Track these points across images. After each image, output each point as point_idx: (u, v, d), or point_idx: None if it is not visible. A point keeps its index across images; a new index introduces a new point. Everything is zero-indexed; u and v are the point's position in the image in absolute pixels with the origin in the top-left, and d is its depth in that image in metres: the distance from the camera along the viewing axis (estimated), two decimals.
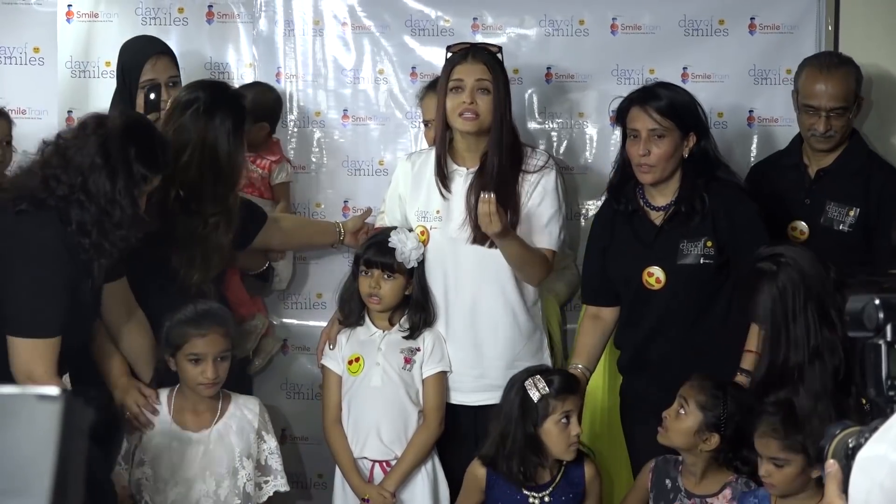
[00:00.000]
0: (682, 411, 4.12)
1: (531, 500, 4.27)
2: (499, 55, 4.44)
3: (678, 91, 4.41)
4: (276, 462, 4.32)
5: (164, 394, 4.25)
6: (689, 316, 4.37)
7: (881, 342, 2.01)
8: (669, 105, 4.31)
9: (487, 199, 4.16)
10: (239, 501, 4.22)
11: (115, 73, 4.81)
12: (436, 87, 4.58)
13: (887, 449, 1.75)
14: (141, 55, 4.57)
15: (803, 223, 4.70)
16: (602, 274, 4.53)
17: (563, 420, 4.19)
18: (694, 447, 4.09)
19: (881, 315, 2.01)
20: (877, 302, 2.02)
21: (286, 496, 4.46)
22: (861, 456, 1.81)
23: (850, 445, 1.96)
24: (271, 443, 4.33)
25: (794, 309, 3.86)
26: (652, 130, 4.30)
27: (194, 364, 4.17)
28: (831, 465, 1.99)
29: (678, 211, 4.34)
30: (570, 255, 5.03)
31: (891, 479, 1.72)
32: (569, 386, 4.25)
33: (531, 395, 4.18)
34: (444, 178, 4.45)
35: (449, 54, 4.45)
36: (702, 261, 4.31)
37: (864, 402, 3.65)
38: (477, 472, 4.30)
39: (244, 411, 4.30)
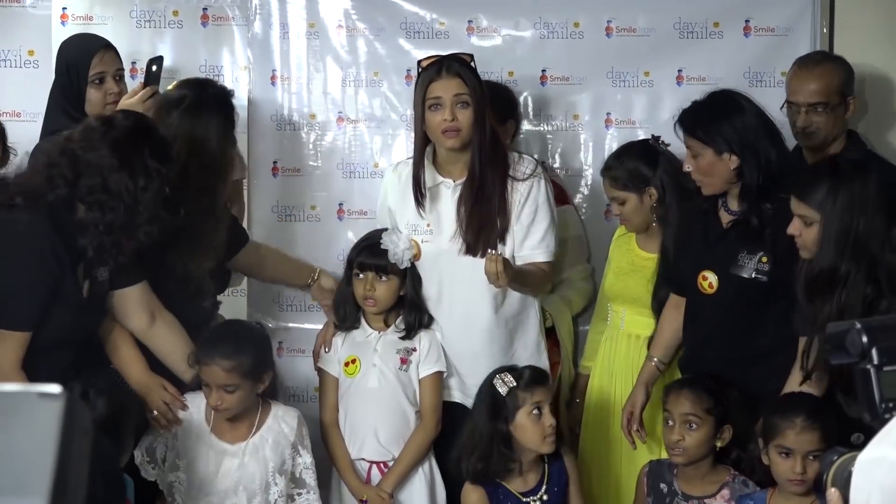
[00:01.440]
0: (693, 426, 4.16)
1: None
2: (472, 63, 4.41)
3: (716, 107, 4.32)
4: (310, 477, 4.29)
5: (202, 402, 4.22)
6: (737, 327, 4.31)
7: (869, 367, 1.99)
8: (699, 126, 4.28)
9: (495, 258, 4.14)
10: None
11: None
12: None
13: (887, 449, 1.74)
14: (88, 50, 4.52)
15: None
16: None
17: (535, 412, 4.18)
18: (712, 450, 4.08)
19: (865, 339, 1.99)
20: (858, 326, 2.00)
21: (336, 496, 4.48)
22: (861, 459, 1.79)
23: (851, 468, 1.93)
24: (306, 458, 4.29)
25: (871, 214, 3.84)
26: (689, 148, 4.31)
27: (208, 388, 4.17)
28: (832, 494, 1.97)
29: (743, 220, 4.29)
30: (587, 268, 5.10)
31: (890, 478, 1.71)
32: (537, 378, 4.25)
33: (499, 390, 4.19)
34: (422, 197, 4.43)
35: (420, 69, 4.42)
36: (754, 275, 4.24)
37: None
38: (472, 497, 4.26)
39: (281, 424, 4.28)
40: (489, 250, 4.21)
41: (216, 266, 4.35)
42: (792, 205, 3.96)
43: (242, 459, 4.22)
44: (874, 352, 1.99)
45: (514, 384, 4.19)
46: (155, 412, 4.18)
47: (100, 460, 3.70)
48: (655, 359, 4.50)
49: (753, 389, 4.26)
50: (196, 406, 4.24)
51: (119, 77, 4.54)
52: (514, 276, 4.24)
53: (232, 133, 4.37)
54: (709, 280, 4.34)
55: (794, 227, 3.94)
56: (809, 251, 3.92)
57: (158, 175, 3.81)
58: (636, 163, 4.60)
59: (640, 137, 4.86)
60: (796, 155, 4.64)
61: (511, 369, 4.28)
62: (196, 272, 4.23)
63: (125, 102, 4.36)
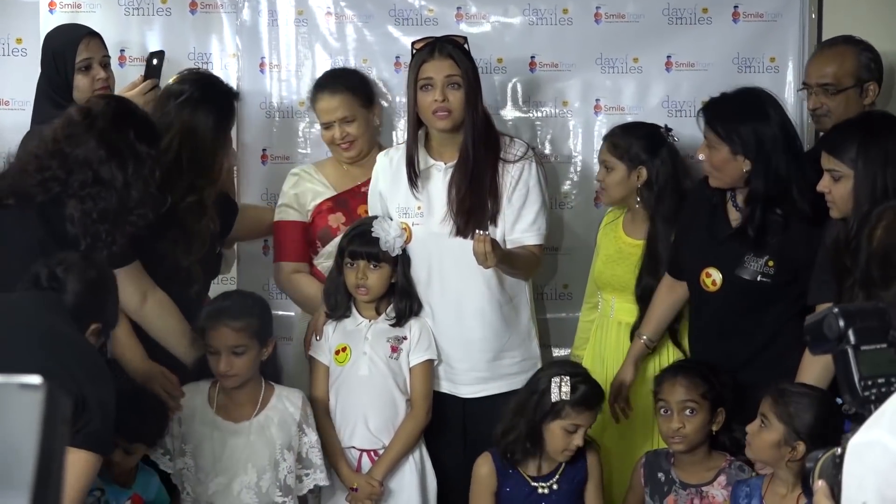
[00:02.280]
0: (692, 412, 4.18)
1: (540, 490, 4.28)
2: (465, 46, 4.43)
3: (743, 106, 4.32)
4: (316, 456, 4.34)
5: (205, 385, 4.32)
6: (736, 325, 4.33)
7: (847, 347, 2.02)
8: (722, 122, 4.27)
9: (483, 238, 4.14)
10: (280, 494, 4.25)
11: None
12: (323, 88, 4.78)
13: (881, 433, 1.74)
14: (72, 37, 4.53)
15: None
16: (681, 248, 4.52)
17: (570, 429, 4.19)
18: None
19: (841, 322, 2.03)
20: (836, 311, 2.05)
21: (326, 489, 4.48)
22: (853, 442, 1.79)
23: (838, 453, 1.96)
24: (312, 436, 4.35)
25: None
26: (706, 138, 4.31)
27: (215, 357, 4.22)
28: (820, 485, 1.99)
29: (744, 229, 4.28)
30: None
31: (885, 462, 1.71)
32: (590, 401, 4.22)
33: (552, 393, 4.17)
34: (415, 176, 4.45)
35: (414, 51, 4.44)
36: (759, 278, 4.24)
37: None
38: (482, 469, 4.31)
39: (286, 403, 4.34)
40: (477, 230, 4.21)
41: (207, 253, 4.38)
42: (822, 160, 3.95)
43: (249, 438, 4.27)
44: (850, 333, 2.02)
45: (567, 398, 4.16)
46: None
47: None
48: (644, 336, 4.53)
49: (746, 381, 4.27)
50: (199, 391, 4.32)
51: (105, 64, 4.55)
52: (503, 258, 4.24)
53: (227, 134, 4.41)
54: (712, 277, 4.35)
55: (824, 184, 3.91)
56: (839, 209, 3.90)
57: (148, 157, 3.84)
58: (640, 140, 4.61)
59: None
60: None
61: (574, 372, 4.25)
62: (184, 261, 4.25)
63: (124, 94, 4.40)
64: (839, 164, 3.88)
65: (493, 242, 4.16)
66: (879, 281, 3.35)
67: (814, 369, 3.98)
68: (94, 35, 4.56)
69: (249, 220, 4.87)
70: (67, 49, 4.48)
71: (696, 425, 4.17)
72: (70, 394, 3.06)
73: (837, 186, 3.89)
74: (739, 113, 4.27)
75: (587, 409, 4.20)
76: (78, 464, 3.22)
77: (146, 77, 4.53)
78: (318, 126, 5.05)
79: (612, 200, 4.71)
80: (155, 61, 4.57)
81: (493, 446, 4.32)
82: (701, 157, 4.32)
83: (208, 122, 4.30)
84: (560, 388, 4.16)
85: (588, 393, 4.21)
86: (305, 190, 4.79)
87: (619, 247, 4.72)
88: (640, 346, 4.53)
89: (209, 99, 4.35)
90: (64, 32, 4.65)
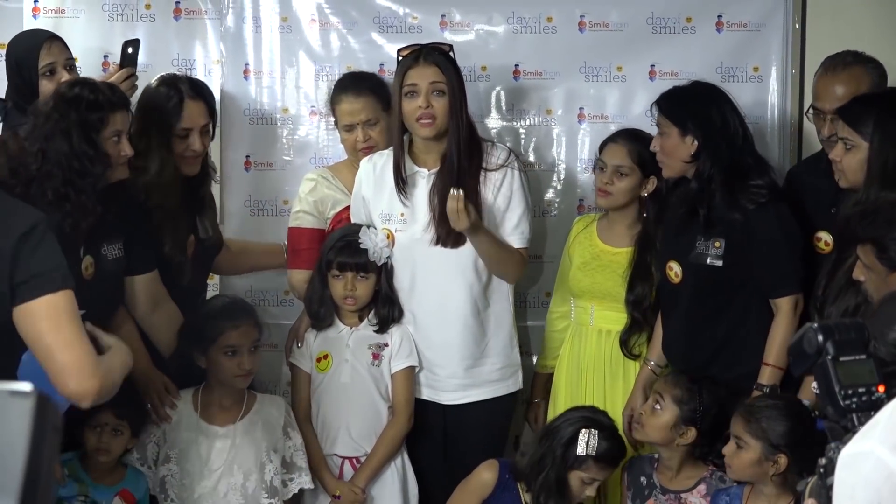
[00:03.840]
0: (658, 406, 4.17)
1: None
2: (451, 53, 4.44)
3: (693, 92, 4.41)
4: (300, 459, 4.36)
5: (188, 393, 4.34)
6: (701, 315, 4.36)
7: (826, 360, 2.08)
8: (672, 106, 4.36)
9: (456, 196, 4.16)
10: (266, 496, 4.26)
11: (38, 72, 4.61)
12: (346, 89, 4.71)
13: (873, 444, 1.74)
14: (33, 43, 4.48)
15: (828, 234, 4.34)
16: None
17: (587, 481, 4.18)
18: (670, 442, 4.12)
19: (820, 337, 2.09)
20: (815, 326, 2.11)
21: (309, 493, 4.48)
22: (845, 453, 1.79)
23: (822, 463, 1.98)
24: (296, 440, 4.37)
25: None
26: (658, 127, 4.39)
27: (230, 356, 4.25)
28: (809, 502, 2.00)
29: (693, 209, 4.33)
30: None
31: (877, 473, 1.71)
32: (614, 460, 4.22)
33: (579, 445, 4.14)
34: (402, 182, 4.44)
35: (400, 57, 4.45)
36: (709, 261, 4.29)
37: None
38: (485, 475, 4.29)
39: (270, 408, 4.38)
40: (452, 188, 4.21)
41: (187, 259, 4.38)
42: (838, 128, 3.99)
43: (234, 440, 4.29)
44: (829, 345, 2.09)
45: (594, 454, 4.13)
46: (148, 405, 4.26)
47: None
48: (652, 362, 4.53)
49: (718, 376, 4.29)
50: (183, 399, 4.32)
51: (70, 66, 4.49)
52: (477, 226, 4.27)
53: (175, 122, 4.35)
54: (674, 270, 4.40)
55: (836, 153, 3.92)
56: (847, 179, 3.93)
57: (101, 122, 3.85)
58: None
59: (612, 132, 4.84)
60: (823, 160, 4.32)
61: (601, 426, 4.20)
62: (174, 256, 4.28)
63: None
64: (853, 135, 3.89)
65: (468, 204, 4.17)
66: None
67: (774, 349, 4.16)
68: (56, 38, 4.52)
69: (234, 256, 4.87)
70: (29, 55, 4.44)
71: (656, 423, 4.20)
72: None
73: (848, 156, 3.91)
74: (690, 97, 4.35)
75: (609, 466, 4.21)
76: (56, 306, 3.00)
77: (122, 66, 4.50)
78: (300, 132, 5.05)
79: (615, 205, 4.64)
80: (130, 50, 4.55)
81: (493, 457, 4.34)
82: (654, 147, 4.38)
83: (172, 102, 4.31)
84: (588, 443, 4.14)
85: (614, 451, 4.20)
86: (325, 196, 4.72)
87: (595, 254, 4.71)
88: (648, 372, 4.53)
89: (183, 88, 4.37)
90: (25, 39, 4.60)
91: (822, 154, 4.40)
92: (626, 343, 4.61)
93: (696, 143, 4.28)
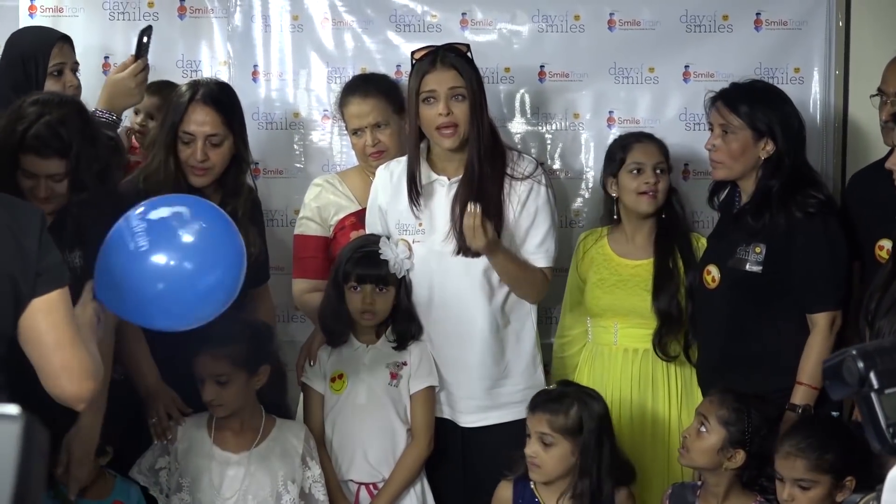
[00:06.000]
0: (703, 429, 4.08)
1: None
2: (468, 54, 4.34)
3: (764, 92, 4.37)
4: (319, 492, 4.25)
5: (202, 418, 4.23)
6: (738, 323, 4.32)
7: (871, 393, 2.02)
8: (745, 103, 4.30)
9: (473, 213, 4.10)
10: None
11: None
12: (354, 91, 4.66)
13: None
14: (46, 40, 4.42)
15: (889, 242, 4.15)
16: None
17: None
18: (718, 466, 4.03)
19: (861, 365, 2.03)
20: (854, 353, 2.04)
21: None
22: (891, 476, 1.88)
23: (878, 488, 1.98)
24: (315, 470, 4.25)
25: None
26: (721, 126, 4.33)
27: (201, 384, 4.15)
28: None
29: (742, 214, 4.32)
30: None
31: None
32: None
33: None
34: (417, 193, 4.35)
35: (414, 61, 4.35)
36: (748, 266, 4.26)
37: None
38: (503, 493, 4.22)
39: (288, 435, 4.25)
40: (469, 203, 4.15)
41: None
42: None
43: (248, 468, 4.17)
44: (872, 376, 2.02)
45: None
46: (153, 419, 4.20)
47: None
48: None
49: (756, 388, 4.17)
50: (197, 424, 4.23)
51: (75, 70, 4.45)
52: (496, 245, 4.21)
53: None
54: (712, 274, 4.38)
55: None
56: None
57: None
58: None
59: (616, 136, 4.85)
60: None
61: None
62: None
63: (115, 77, 4.39)
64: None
65: (485, 221, 4.12)
66: None
67: (808, 368, 4.17)
68: (67, 39, 4.47)
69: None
70: (40, 53, 4.37)
71: (702, 447, 4.07)
72: None
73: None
74: (763, 97, 4.30)
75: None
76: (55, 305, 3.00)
77: (137, 56, 4.44)
78: (312, 138, 5.05)
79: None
80: (145, 39, 4.49)
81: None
82: (711, 145, 4.33)
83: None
84: None
85: None
86: (328, 203, 4.67)
87: (612, 269, 4.64)
88: None
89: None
90: (34, 35, 4.56)
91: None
92: (660, 344, 4.51)
93: (773, 146, 4.25)
